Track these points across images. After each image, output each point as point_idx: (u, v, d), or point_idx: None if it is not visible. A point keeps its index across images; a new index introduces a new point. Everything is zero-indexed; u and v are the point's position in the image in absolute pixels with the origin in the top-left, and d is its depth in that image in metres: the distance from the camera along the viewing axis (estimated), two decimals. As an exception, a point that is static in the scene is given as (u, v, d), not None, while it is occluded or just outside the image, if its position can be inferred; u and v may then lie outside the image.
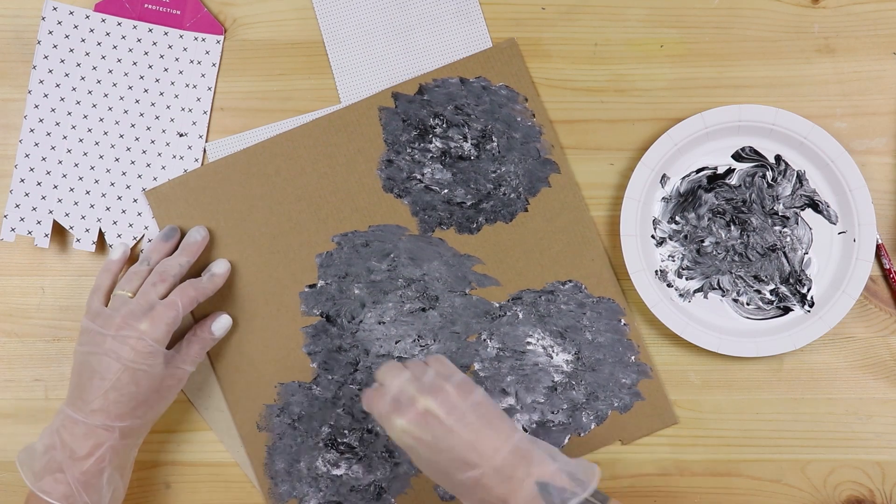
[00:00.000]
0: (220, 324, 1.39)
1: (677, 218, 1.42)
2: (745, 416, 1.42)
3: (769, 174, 1.41)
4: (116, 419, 1.28)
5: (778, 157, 1.41)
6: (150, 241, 1.43)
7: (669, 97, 1.45)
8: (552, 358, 1.41)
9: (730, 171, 1.41)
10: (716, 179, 1.42)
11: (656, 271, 1.41)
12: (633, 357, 1.41)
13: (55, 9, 1.42)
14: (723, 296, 1.42)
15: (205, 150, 1.44)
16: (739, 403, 1.42)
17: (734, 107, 1.40)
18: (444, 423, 1.17)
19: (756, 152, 1.41)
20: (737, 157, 1.42)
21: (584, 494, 1.15)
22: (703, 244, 1.42)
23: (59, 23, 1.43)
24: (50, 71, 1.43)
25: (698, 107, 1.43)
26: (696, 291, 1.42)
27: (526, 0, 1.46)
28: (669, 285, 1.42)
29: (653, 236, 1.42)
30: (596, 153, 1.44)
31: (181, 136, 1.44)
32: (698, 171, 1.42)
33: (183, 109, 1.44)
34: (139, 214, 1.44)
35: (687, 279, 1.42)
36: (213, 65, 1.45)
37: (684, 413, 1.42)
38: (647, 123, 1.44)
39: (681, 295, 1.42)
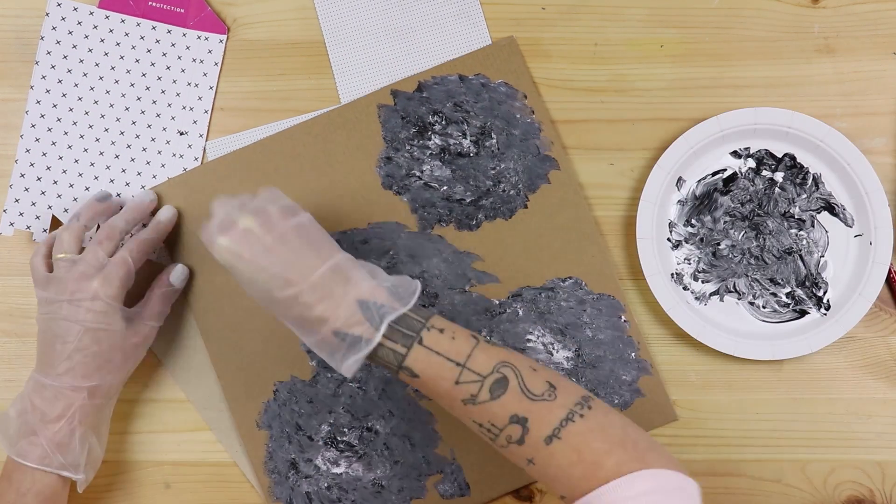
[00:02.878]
0: (177, 274, 1.37)
1: (693, 221, 1.39)
2: (745, 416, 1.39)
3: (785, 176, 1.39)
4: (83, 379, 1.27)
5: (794, 160, 1.38)
6: None
7: (669, 97, 1.42)
8: (552, 355, 1.37)
9: (746, 174, 1.39)
10: (731, 182, 1.39)
11: (672, 274, 1.38)
12: (633, 354, 1.38)
13: (59, 5, 1.41)
14: (739, 299, 1.39)
15: (204, 150, 1.42)
16: (739, 403, 1.39)
17: (750, 110, 1.37)
18: (263, 240, 1.15)
19: (772, 155, 1.39)
20: (754, 159, 1.39)
21: (403, 309, 1.14)
22: (720, 247, 1.39)
23: (63, 19, 1.41)
24: (52, 67, 1.41)
25: (698, 107, 1.41)
26: (711, 294, 1.39)
27: (526, 0, 1.43)
28: (685, 288, 1.39)
29: (668, 239, 1.39)
30: (596, 153, 1.42)
31: (181, 134, 1.42)
32: (714, 173, 1.39)
33: (184, 108, 1.42)
34: (138, 212, 1.40)
35: (703, 282, 1.39)
36: (216, 64, 1.42)
37: (684, 413, 1.39)
38: (647, 123, 1.42)
39: (697, 298, 1.39)
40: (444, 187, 1.39)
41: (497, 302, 1.38)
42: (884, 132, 1.40)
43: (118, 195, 1.40)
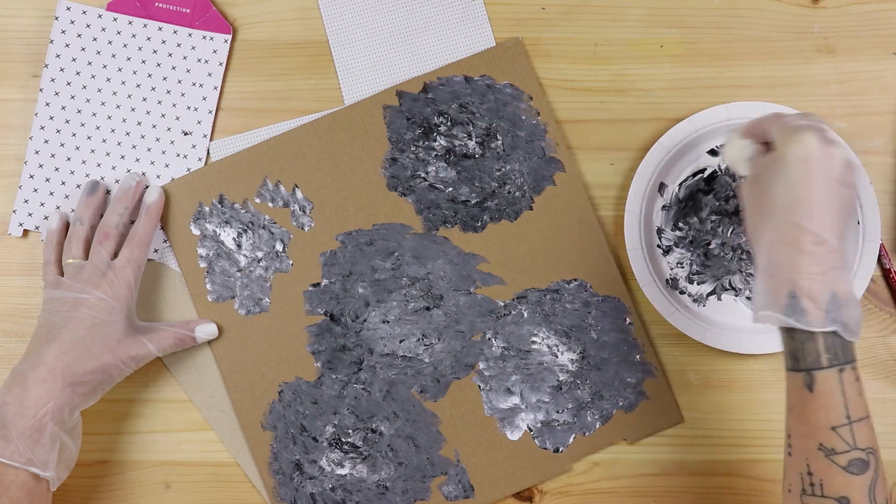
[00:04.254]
0: (205, 329, 1.32)
1: (680, 224, 1.34)
2: (745, 416, 1.34)
3: None
4: (68, 370, 1.21)
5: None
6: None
7: (669, 97, 1.37)
8: (557, 357, 1.32)
9: (726, 170, 1.34)
10: (713, 180, 1.34)
11: (667, 280, 1.33)
12: (638, 356, 1.33)
13: (69, 8, 1.37)
14: (736, 295, 1.33)
15: (208, 150, 1.38)
16: (739, 403, 1.34)
17: (721, 106, 1.32)
18: None
19: None
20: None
21: (856, 337, 1.06)
22: (710, 247, 1.34)
23: (72, 22, 1.37)
24: (62, 69, 1.37)
25: (698, 107, 1.35)
26: (709, 295, 1.33)
27: (526, 0, 1.38)
28: (682, 292, 1.33)
29: (658, 246, 1.34)
30: (596, 153, 1.37)
31: (186, 134, 1.37)
32: (694, 174, 1.34)
33: (188, 108, 1.37)
34: (143, 211, 1.39)
35: (698, 284, 1.34)
36: (220, 64, 1.38)
37: (684, 413, 1.34)
38: (647, 123, 1.37)
39: (695, 300, 1.33)
40: (450, 189, 1.34)
41: (502, 304, 1.33)
42: (884, 132, 1.36)
43: (102, 178, 1.36)
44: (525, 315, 1.32)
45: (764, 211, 1.08)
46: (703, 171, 1.33)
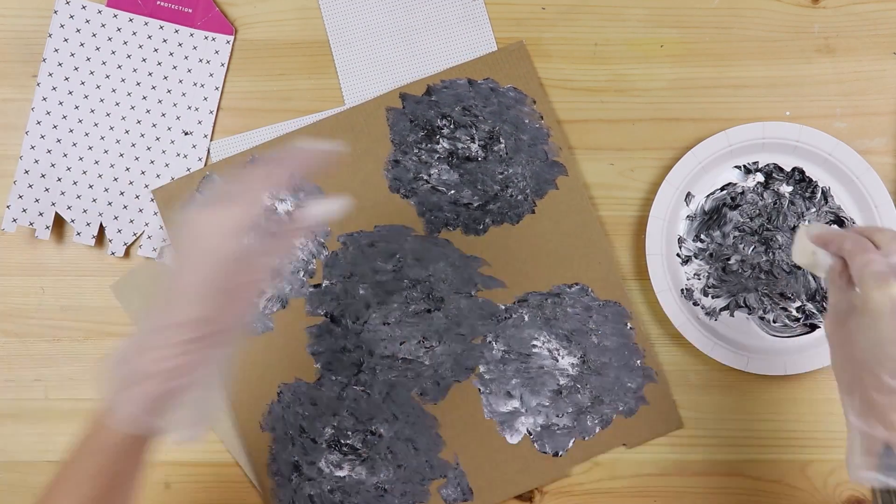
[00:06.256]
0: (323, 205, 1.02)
1: (702, 236, 1.31)
2: (746, 416, 1.31)
3: (794, 190, 1.31)
4: (202, 322, 0.93)
5: (803, 174, 1.30)
6: (149, 237, 1.31)
7: (669, 97, 1.34)
8: (558, 361, 1.29)
9: (755, 189, 1.31)
10: (740, 196, 1.31)
11: (682, 290, 1.30)
12: (638, 361, 1.30)
13: (68, 3, 1.34)
14: (749, 314, 1.30)
15: (209, 150, 1.35)
16: (739, 403, 1.31)
17: (758, 124, 1.29)
18: None
19: (781, 169, 1.31)
20: (762, 173, 1.31)
21: None
22: (729, 262, 1.31)
23: (72, 17, 1.35)
24: (59, 64, 1.34)
25: (698, 107, 1.34)
26: (722, 310, 1.30)
27: (526, 0, 1.36)
28: (695, 304, 1.30)
29: (678, 255, 1.31)
30: (596, 153, 1.34)
31: (186, 134, 1.34)
32: (722, 188, 1.31)
33: (189, 108, 1.35)
34: (140, 211, 1.34)
35: (713, 297, 1.30)
36: (222, 65, 1.36)
37: (684, 413, 1.31)
38: (647, 123, 1.34)
39: (707, 313, 1.30)
40: (452, 191, 1.32)
41: (503, 307, 1.30)
42: (884, 132, 1.33)
43: (100, 175, 1.30)
44: (526, 318, 1.29)
45: (852, 358, 0.98)
46: (732, 185, 1.30)
